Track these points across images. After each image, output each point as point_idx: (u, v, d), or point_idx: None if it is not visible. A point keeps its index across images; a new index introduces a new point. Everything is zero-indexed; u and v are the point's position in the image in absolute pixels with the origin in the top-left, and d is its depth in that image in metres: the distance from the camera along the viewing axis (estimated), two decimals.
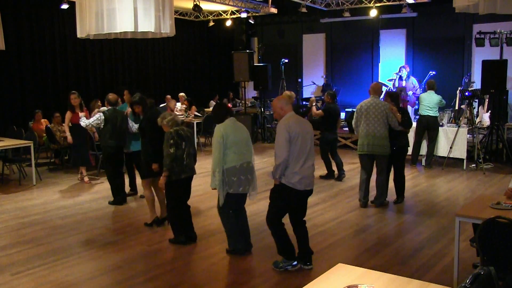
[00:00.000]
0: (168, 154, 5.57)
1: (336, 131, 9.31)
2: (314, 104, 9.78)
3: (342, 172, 9.19)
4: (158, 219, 6.59)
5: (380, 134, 7.05)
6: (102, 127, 7.57)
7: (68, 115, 8.98)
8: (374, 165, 7.34)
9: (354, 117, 7.32)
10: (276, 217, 5.01)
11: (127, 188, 8.05)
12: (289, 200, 4.94)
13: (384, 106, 7.08)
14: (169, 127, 5.74)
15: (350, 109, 14.17)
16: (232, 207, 5.35)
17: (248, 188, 5.33)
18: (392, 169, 7.50)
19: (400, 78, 12.94)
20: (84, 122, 7.80)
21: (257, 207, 7.05)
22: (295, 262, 5.06)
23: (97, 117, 7.58)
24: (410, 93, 12.63)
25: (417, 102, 11.77)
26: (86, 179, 9.19)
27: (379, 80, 14.91)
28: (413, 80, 12.92)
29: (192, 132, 6.22)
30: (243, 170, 5.22)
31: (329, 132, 9.11)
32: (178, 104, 13.38)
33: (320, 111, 9.29)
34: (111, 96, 7.79)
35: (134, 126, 7.47)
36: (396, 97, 7.57)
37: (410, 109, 13.01)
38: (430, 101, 9.89)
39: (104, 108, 8.14)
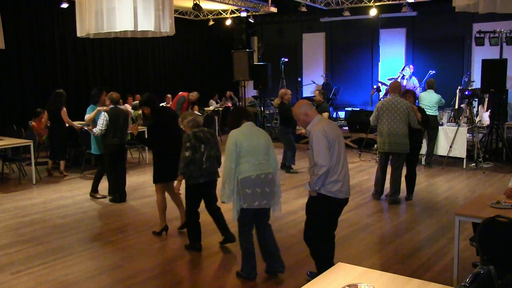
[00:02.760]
0: (184, 157, 5.24)
1: None
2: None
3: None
4: (167, 227, 6.19)
5: (402, 132, 7.16)
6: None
7: (65, 110, 9.35)
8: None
9: (374, 114, 7.34)
10: (318, 233, 4.54)
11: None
12: (331, 211, 4.52)
13: (406, 105, 7.18)
14: (189, 128, 5.42)
15: (350, 109, 14.18)
16: (247, 225, 4.76)
17: (266, 203, 4.69)
18: (405, 166, 7.58)
19: (403, 77, 12.95)
20: (97, 130, 7.54)
21: None
22: None
23: (103, 119, 7.48)
24: None
25: (416, 101, 11.77)
26: (65, 173, 9.60)
27: (379, 79, 14.93)
28: (414, 80, 12.93)
29: (215, 133, 5.86)
30: (259, 182, 4.61)
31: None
32: None
33: (324, 114, 9.19)
34: (115, 95, 7.81)
35: (97, 128, 7.46)
36: (415, 95, 7.69)
37: None
38: (429, 101, 9.89)
39: (103, 108, 8.15)
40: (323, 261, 4.55)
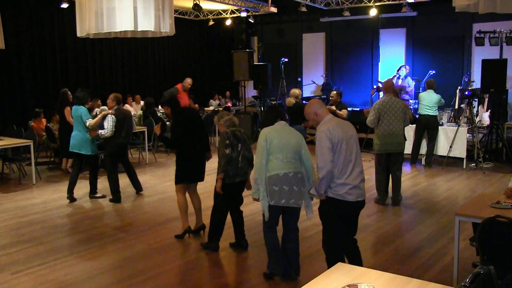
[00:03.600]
0: (224, 155, 5.20)
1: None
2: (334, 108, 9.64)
3: None
4: (190, 229, 6.05)
5: (401, 132, 7.22)
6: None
7: (69, 110, 9.21)
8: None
9: (374, 116, 7.17)
10: (336, 240, 4.34)
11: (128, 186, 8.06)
12: (342, 215, 4.29)
13: (403, 104, 7.22)
14: (225, 128, 5.38)
15: (350, 109, 14.15)
16: (271, 221, 4.74)
17: (295, 202, 4.63)
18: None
19: (398, 77, 12.96)
20: (106, 132, 7.49)
21: (255, 206, 7.04)
22: None
23: (111, 120, 7.48)
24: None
25: (415, 101, 11.79)
26: (70, 169, 9.53)
27: (379, 79, 14.92)
28: (409, 80, 12.94)
29: (248, 134, 5.87)
30: (287, 180, 4.57)
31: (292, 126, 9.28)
32: None
33: (343, 110, 9.20)
34: (118, 95, 7.93)
35: (106, 129, 7.46)
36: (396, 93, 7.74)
37: None
38: (429, 101, 9.89)
39: (105, 107, 8.16)
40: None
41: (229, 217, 5.64)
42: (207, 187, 6.72)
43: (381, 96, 13.32)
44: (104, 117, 7.58)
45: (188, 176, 5.95)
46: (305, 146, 4.78)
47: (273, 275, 4.83)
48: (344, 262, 4.27)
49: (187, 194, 6.08)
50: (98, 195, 7.97)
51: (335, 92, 10.02)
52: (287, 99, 9.57)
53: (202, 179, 6.07)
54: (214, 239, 5.60)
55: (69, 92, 9.45)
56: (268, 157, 4.61)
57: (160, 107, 12.67)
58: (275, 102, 14.53)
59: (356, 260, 4.41)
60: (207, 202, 7.17)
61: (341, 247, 4.39)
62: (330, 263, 4.23)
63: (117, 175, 7.77)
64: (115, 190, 7.75)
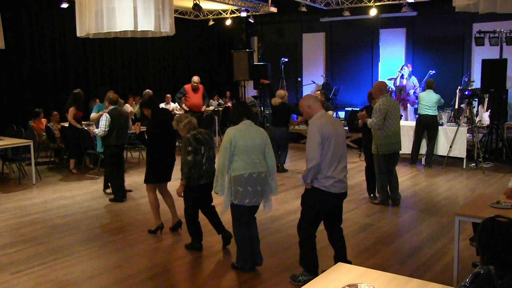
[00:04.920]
0: (186, 161, 5.27)
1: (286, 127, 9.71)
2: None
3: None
4: (162, 226, 6.24)
5: (400, 130, 7.33)
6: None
7: (73, 110, 9.41)
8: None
9: (381, 117, 6.97)
10: (310, 225, 4.63)
11: (128, 186, 8.08)
12: (324, 205, 4.59)
13: (398, 104, 7.36)
14: (185, 131, 5.41)
15: (350, 109, 14.17)
16: (240, 219, 4.93)
17: (257, 201, 4.85)
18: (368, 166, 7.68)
19: (402, 76, 12.95)
20: (99, 131, 7.54)
21: None
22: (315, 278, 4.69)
23: (105, 119, 7.49)
24: (411, 92, 12.68)
25: (416, 101, 11.78)
26: (74, 170, 9.76)
27: (379, 79, 14.91)
28: (413, 79, 12.94)
29: (211, 133, 5.95)
30: (251, 181, 4.73)
31: (275, 127, 9.45)
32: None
33: (329, 112, 9.18)
34: (112, 95, 7.82)
35: (99, 129, 7.50)
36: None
37: (410, 108, 13.03)
38: (428, 100, 9.90)
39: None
40: (309, 255, 4.67)
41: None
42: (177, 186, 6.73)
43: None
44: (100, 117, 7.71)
45: (156, 176, 6.13)
46: (269, 144, 4.94)
47: (239, 269, 5.04)
48: (314, 249, 4.69)
49: (159, 194, 6.30)
50: (108, 191, 8.14)
51: (318, 92, 10.08)
52: (273, 99, 9.61)
53: (169, 179, 6.28)
54: (195, 239, 5.70)
55: (81, 93, 9.62)
56: (233, 157, 4.75)
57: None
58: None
59: (341, 248, 4.85)
60: (180, 200, 7.20)
61: (314, 232, 4.68)
62: (304, 248, 4.69)
63: (117, 175, 7.78)
64: (116, 190, 7.77)
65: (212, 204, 5.75)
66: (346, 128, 12.87)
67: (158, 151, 6.09)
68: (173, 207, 6.32)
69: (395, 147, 7.26)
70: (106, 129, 7.48)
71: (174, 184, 6.08)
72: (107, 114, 7.55)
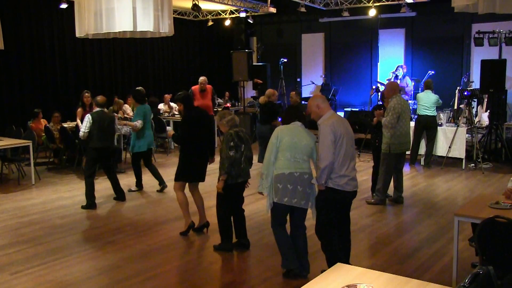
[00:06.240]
0: (228, 157, 5.23)
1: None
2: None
3: None
4: (193, 224, 6.12)
5: (410, 131, 7.48)
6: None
7: (80, 111, 9.55)
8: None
9: (394, 116, 6.98)
10: (331, 227, 4.60)
11: (127, 187, 8.09)
12: (340, 204, 4.61)
13: (409, 104, 7.46)
14: (227, 128, 5.41)
15: (349, 109, 14.19)
16: (278, 219, 4.81)
17: (297, 202, 4.67)
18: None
19: (396, 77, 12.97)
20: (80, 133, 7.51)
21: (256, 206, 7.06)
22: None
23: (86, 121, 7.39)
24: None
25: (414, 101, 11.80)
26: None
27: (378, 80, 14.94)
28: (407, 80, 12.96)
29: (249, 134, 5.97)
30: (292, 179, 4.64)
31: (262, 125, 9.40)
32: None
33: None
34: (100, 98, 7.69)
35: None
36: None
37: None
38: (427, 101, 9.91)
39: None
40: (334, 254, 4.56)
41: None
42: (207, 187, 6.74)
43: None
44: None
45: (189, 175, 6.01)
46: (316, 150, 4.78)
47: (290, 271, 4.82)
48: (337, 244, 4.61)
49: (189, 193, 6.14)
50: (133, 189, 8.31)
51: (294, 92, 10.11)
52: (260, 97, 9.64)
53: (203, 180, 6.13)
54: (225, 238, 5.60)
55: (87, 95, 9.74)
56: (277, 154, 4.69)
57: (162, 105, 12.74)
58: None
59: (346, 252, 4.78)
60: (209, 202, 7.21)
61: (335, 231, 4.64)
62: (329, 251, 4.62)
63: (91, 180, 7.45)
64: (87, 195, 7.43)
65: (242, 207, 5.69)
66: None
67: (189, 148, 5.94)
68: (202, 207, 6.17)
69: (406, 146, 7.38)
70: (86, 131, 7.34)
71: (206, 185, 6.06)
72: (89, 116, 7.43)
